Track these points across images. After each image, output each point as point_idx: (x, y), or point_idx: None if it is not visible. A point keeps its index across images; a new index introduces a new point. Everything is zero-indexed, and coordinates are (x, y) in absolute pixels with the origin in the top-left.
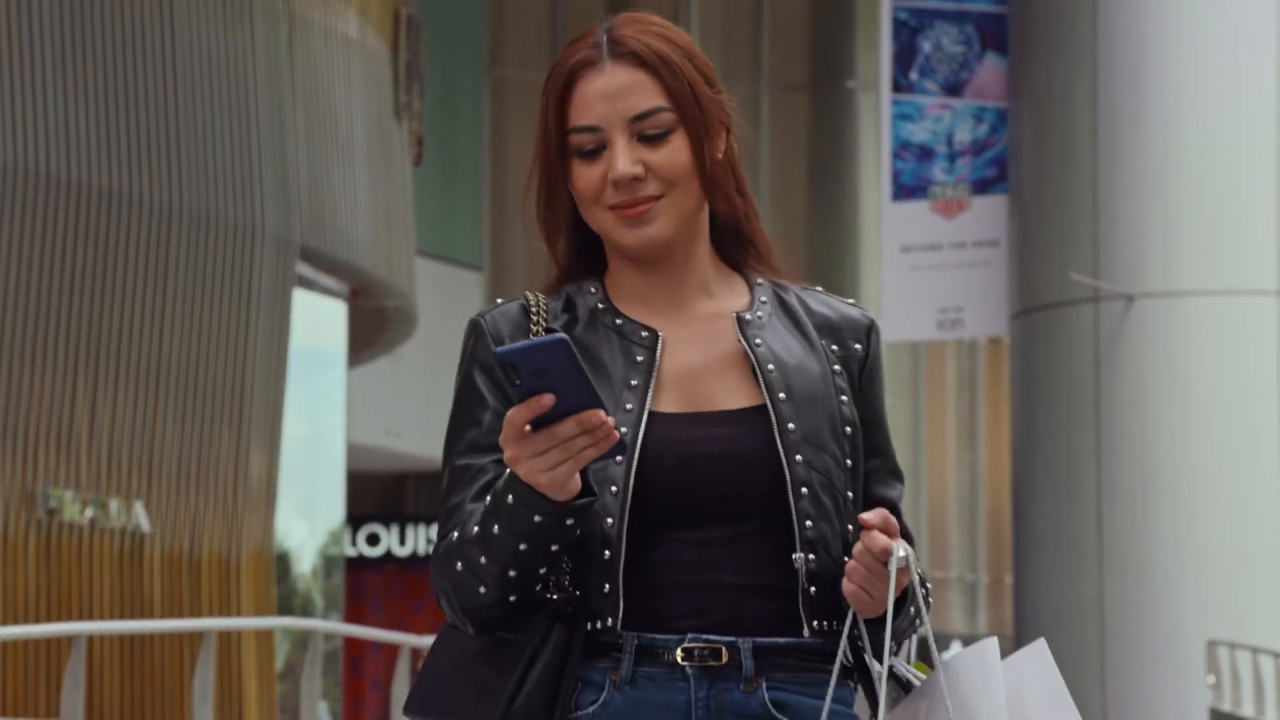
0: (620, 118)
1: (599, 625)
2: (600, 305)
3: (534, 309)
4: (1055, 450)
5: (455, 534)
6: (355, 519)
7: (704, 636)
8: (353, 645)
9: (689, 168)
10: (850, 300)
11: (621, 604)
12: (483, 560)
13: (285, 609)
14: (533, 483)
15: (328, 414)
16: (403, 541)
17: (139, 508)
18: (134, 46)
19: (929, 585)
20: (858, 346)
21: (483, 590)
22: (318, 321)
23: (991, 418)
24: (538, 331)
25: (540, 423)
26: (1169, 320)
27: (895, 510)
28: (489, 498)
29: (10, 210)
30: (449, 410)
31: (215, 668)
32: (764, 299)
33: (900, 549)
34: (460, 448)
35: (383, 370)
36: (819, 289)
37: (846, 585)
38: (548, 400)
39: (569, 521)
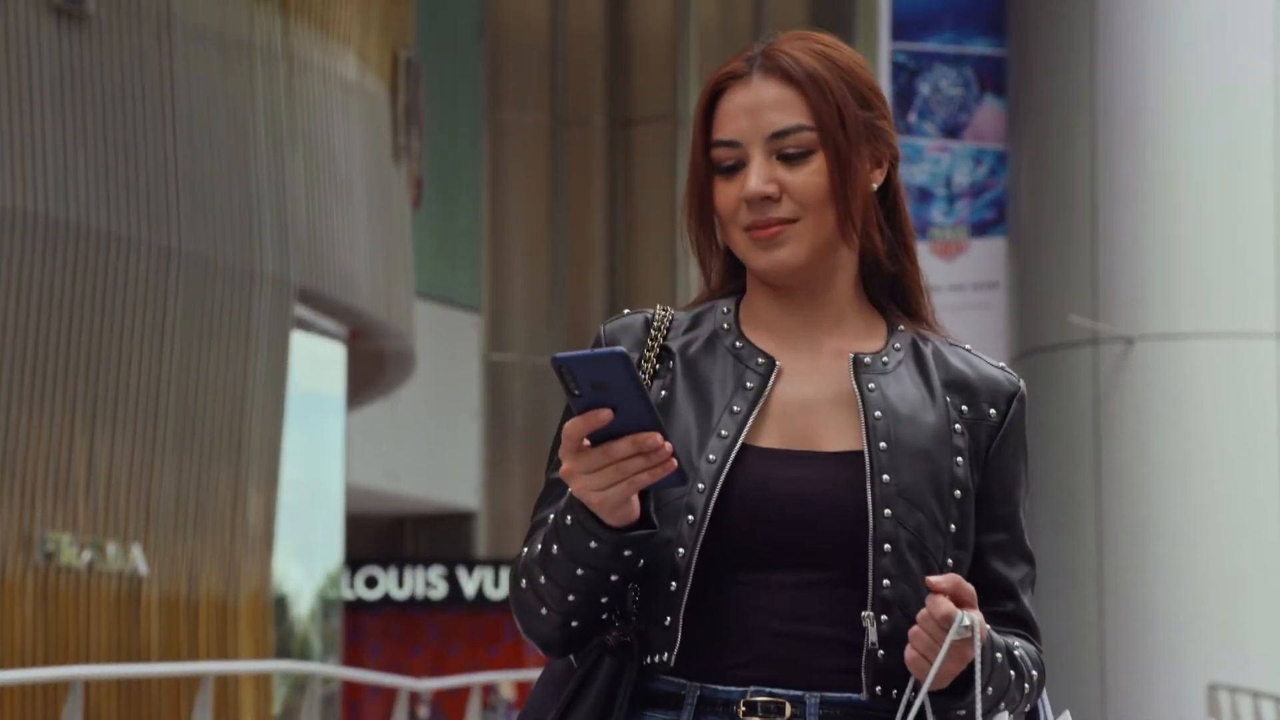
0: (760, 134)
1: (655, 660)
2: (725, 326)
3: (656, 322)
4: (1055, 491)
5: (526, 550)
6: (353, 562)
7: (767, 690)
8: (351, 689)
9: (826, 192)
10: (1000, 364)
11: (680, 638)
12: (543, 580)
13: (283, 652)
14: (583, 500)
15: (326, 456)
16: (401, 584)
17: (136, 551)
18: (133, 89)
19: (1034, 673)
20: (992, 412)
21: (544, 611)
22: (316, 364)
23: None
24: (654, 347)
25: (600, 439)
26: (1168, 362)
27: (1012, 592)
28: (553, 516)
29: (9, 252)
30: (447, 453)
31: (213, 711)
32: (898, 346)
33: (965, 618)
34: (556, 460)
35: (381, 413)
36: (967, 346)
37: (908, 652)
38: (605, 415)
39: (627, 553)
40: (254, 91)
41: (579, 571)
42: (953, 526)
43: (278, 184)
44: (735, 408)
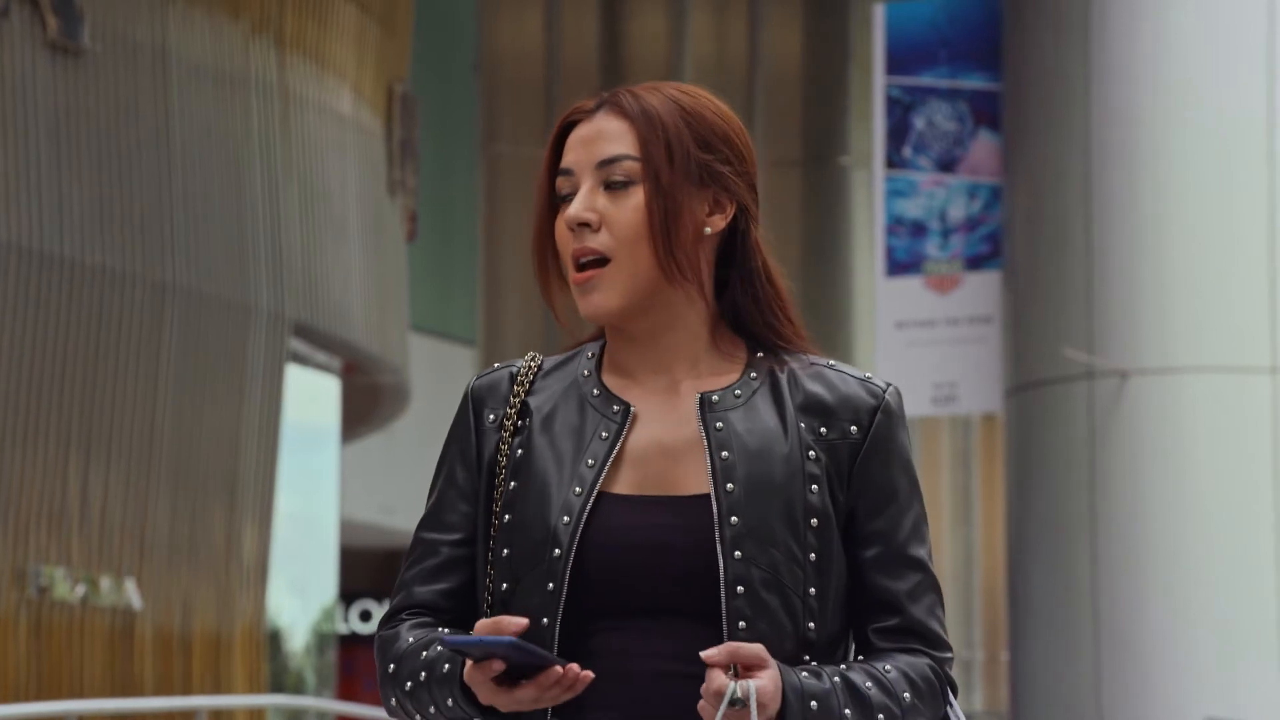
0: (590, 162)
1: None
2: (586, 374)
3: (520, 376)
4: (1050, 527)
5: (392, 665)
6: (348, 596)
7: None
8: None
9: (643, 228)
10: (865, 375)
11: (550, 710)
12: (416, 718)
13: (277, 687)
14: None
15: (321, 490)
16: None
17: (130, 585)
18: (129, 124)
19: (906, 695)
20: (853, 429)
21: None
22: (311, 398)
23: (986, 494)
24: (516, 403)
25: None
26: (1163, 397)
27: (896, 604)
28: (426, 673)
29: (4, 286)
30: None
31: None
32: (754, 375)
33: (738, 689)
34: (424, 516)
35: (376, 446)
36: (831, 363)
37: None
38: (499, 666)
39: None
40: (249, 126)
41: None
42: (812, 556)
43: (273, 218)
44: (590, 460)
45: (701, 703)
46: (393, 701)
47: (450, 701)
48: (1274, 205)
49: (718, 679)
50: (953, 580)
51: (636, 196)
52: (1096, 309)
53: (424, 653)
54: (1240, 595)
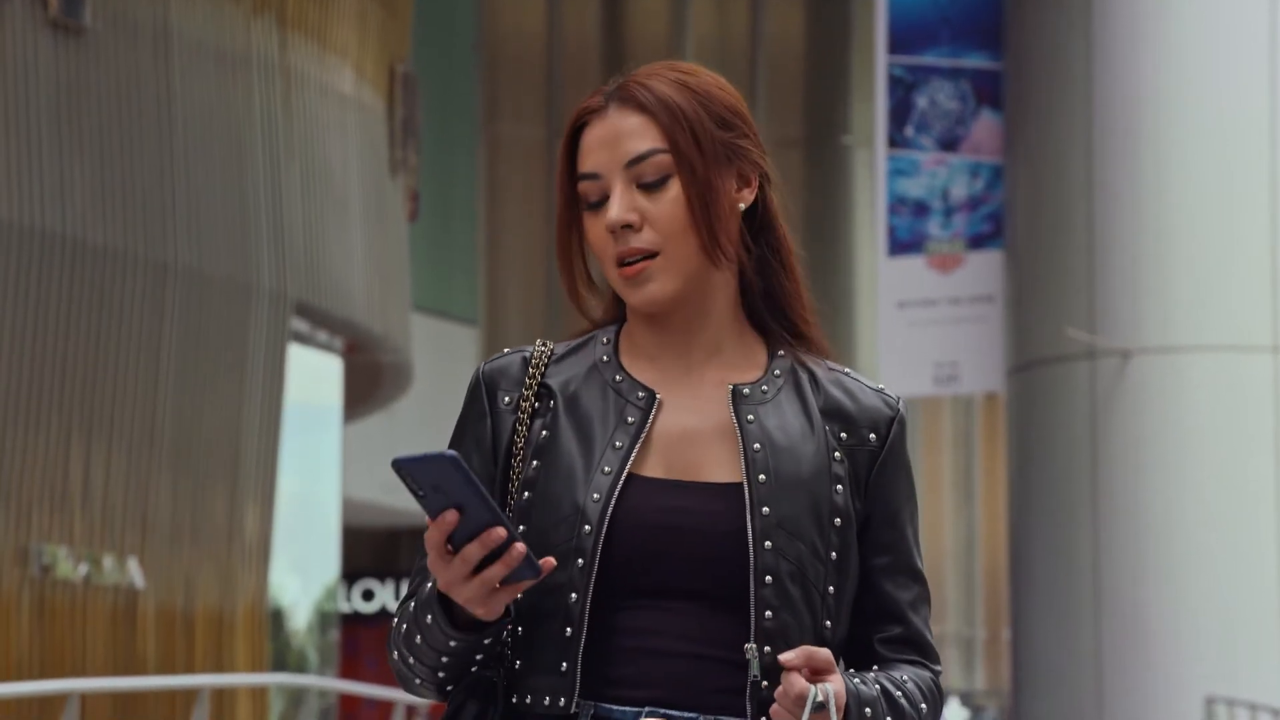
0: (617, 163)
1: (547, 702)
2: (605, 359)
3: (534, 359)
4: (1051, 506)
5: (396, 620)
6: (350, 575)
7: (662, 711)
8: (347, 702)
9: (686, 219)
10: (879, 386)
11: (578, 685)
12: (411, 660)
13: (279, 665)
14: (464, 605)
15: (323, 469)
16: (397, 597)
17: (133, 564)
18: (130, 103)
19: (923, 705)
20: (872, 437)
21: (418, 682)
22: (313, 377)
23: (988, 473)
24: (533, 385)
25: (460, 539)
26: (1165, 376)
27: (900, 614)
28: (413, 604)
29: (5, 266)
30: None
31: None
32: (778, 372)
33: (819, 693)
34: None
35: (378, 426)
36: (848, 370)
37: None
38: (452, 518)
39: (487, 641)
40: (251, 105)
41: (444, 659)
42: (834, 554)
43: (274, 198)
44: (618, 443)
45: (775, 706)
46: (395, 655)
47: (430, 618)
48: (1275, 185)
49: (798, 683)
50: (954, 559)
51: (672, 189)
52: (1098, 288)
53: (418, 596)
54: (1241, 575)
